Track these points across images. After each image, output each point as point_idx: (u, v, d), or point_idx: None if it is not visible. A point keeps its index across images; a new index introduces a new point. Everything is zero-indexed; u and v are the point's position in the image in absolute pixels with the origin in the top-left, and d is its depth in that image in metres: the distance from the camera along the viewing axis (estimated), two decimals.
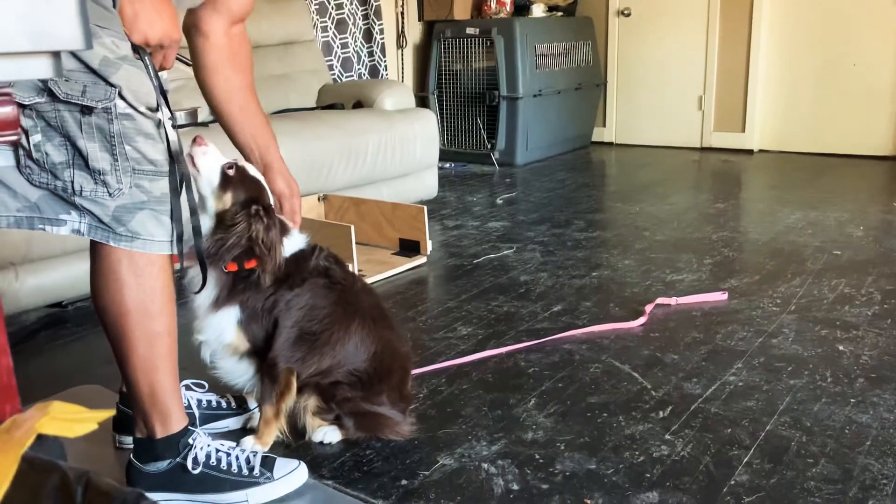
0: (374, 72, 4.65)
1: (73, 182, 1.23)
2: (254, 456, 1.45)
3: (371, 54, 4.63)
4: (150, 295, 1.31)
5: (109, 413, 0.71)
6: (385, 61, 4.67)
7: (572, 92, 5.13)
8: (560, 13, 5.23)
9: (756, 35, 4.89)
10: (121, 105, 1.23)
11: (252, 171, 1.54)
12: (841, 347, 2.03)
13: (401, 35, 4.93)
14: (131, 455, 1.42)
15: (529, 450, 1.58)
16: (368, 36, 4.60)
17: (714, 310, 2.32)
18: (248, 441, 1.57)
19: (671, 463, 1.52)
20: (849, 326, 2.17)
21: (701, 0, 5.04)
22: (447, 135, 5.03)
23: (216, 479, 1.41)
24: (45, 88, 1.18)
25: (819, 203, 3.64)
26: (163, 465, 1.39)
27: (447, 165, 4.85)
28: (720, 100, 5.13)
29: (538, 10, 5.10)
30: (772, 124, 5.05)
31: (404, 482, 1.48)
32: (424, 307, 2.46)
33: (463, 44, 4.86)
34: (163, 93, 1.29)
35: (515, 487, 1.45)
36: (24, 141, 1.20)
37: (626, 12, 5.33)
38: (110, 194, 1.24)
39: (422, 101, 4.96)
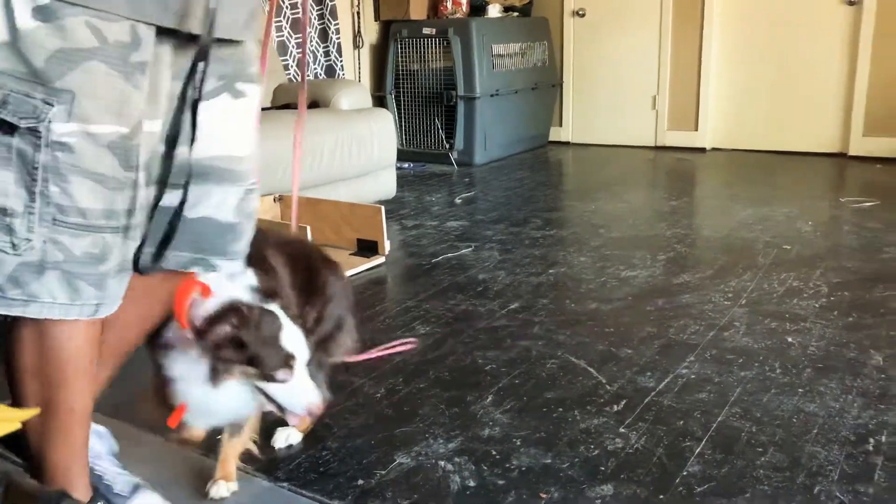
0: (330, 72, 4.62)
1: None
2: None
3: (327, 54, 4.60)
4: (51, 362, 1.07)
5: (34, 412, 0.68)
6: (341, 61, 4.64)
7: (529, 92, 5.17)
8: (516, 13, 5.27)
9: (707, 36, 4.98)
10: (58, 128, 0.91)
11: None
12: (790, 339, 2.08)
13: (357, 35, 4.91)
14: None
15: (486, 446, 1.59)
16: (324, 36, 4.57)
17: (667, 304, 2.36)
18: (222, 486, 1.41)
19: (625, 456, 1.54)
20: (797, 318, 2.22)
21: (654, 1, 5.12)
22: (405, 135, 5.02)
23: None
24: None
25: (769, 199, 3.72)
26: None
27: (406, 165, 4.84)
28: (673, 99, 5.21)
29: (494, 11, 5.13)
30: (724, 123, 5.15)
31: (360, 482, 1.48)
32: (383, 307, 2.45)
33: (420, 44, 4.85)
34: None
35: (472, 484, 1.46)
36: None
37: (580, 13, 5.39)
38: (14, 246, 0.95)
39: (379, 101, 4.95)
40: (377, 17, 5.07)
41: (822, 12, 4.67)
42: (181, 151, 1.11)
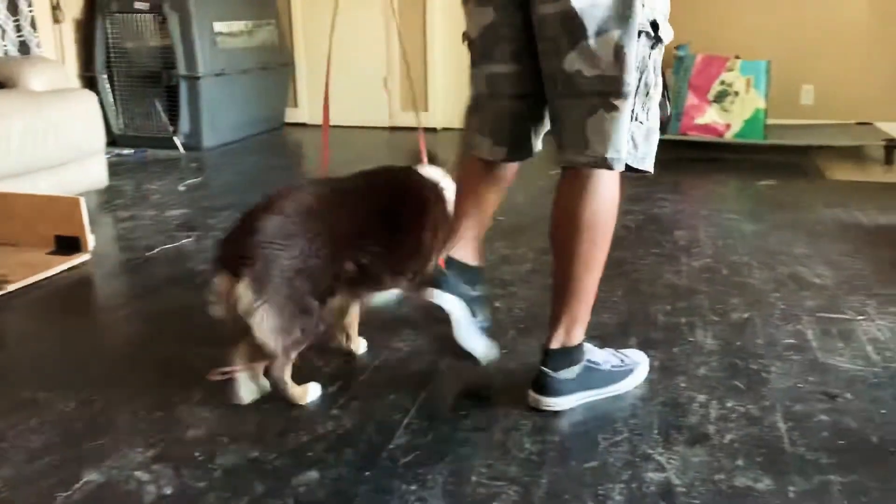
0: (25, 49, 4.09)
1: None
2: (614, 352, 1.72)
3: (19, 29, 4.06)
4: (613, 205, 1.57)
5: None
6: (37, 37, 4.13)
7: (259, 72, 4.99)
8: None
9: (431, 16, 5.15)
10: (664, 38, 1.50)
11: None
12: (497, 304, 2.22)
13: (56, 8, 4.39)
14: (543, 367, 1.61)
15: (189, 448, 1.50)
16: (14, 8, 4.03)
17: None
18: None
19: (335, 438, 1.53)
20: (505, 284, 2.37)
21: None
22: (123, 118, 4.62)
23: (612, 373, 1.67)
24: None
25: None
26: (577, 369, 1.61)
27: (125, 152, 4.46)
28: (404, 80, 5.34)
29: None
30: (453, 103, 5.37)
31: None
32: (87, 310, 2.22)
33: (133, 19, 4.47)
34: None
35: (168, 491, 1.36)
36: None
37: None
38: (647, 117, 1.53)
39: (90, 82, 4.50)
40: None
41: None
42: None
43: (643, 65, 1.46)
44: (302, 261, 1.54)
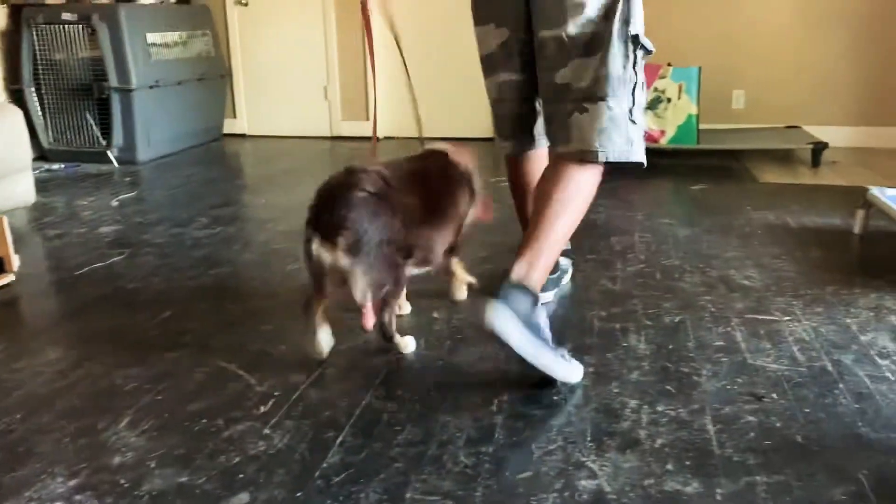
0: None
1: None
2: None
3: None
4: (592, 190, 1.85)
5: None
6: None
7: (195, 83, 4.91)
8: (173, 1, 4.96)
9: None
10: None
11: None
12: (435, 315, 2.21)
13: None
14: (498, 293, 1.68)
15: (115, 475, 1.45)
16: None
17: None
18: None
19: (267, 458, 1.51)
20: (444, 294, 2.36)
21: None
22: (53, 132, 4.49)
23: (545, 341, 1.71)
24: None
25: None
26: (524, 309, 1.68)
27: (55, 167, 4.33)
28: (344, 90, 5.31)
29: None
30: (393, 112, 5.37)
31: None
32: (10, 333, 2.14)
33: (61, 31, 4.35)
34: None
35: None
36: None
37: (243, 2, 5.24)
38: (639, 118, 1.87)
39: (16, 96, 4.36)
40: (4, 0, 4.43)
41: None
42: None
43: (630, 74, 1.78)
44: (385, 230, 1.81)
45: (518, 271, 1.73)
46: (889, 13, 4.55)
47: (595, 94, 1.77)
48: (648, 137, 4.21)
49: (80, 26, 4.30)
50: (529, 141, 2.16)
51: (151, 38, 4.51)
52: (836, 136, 4.65)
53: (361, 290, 1.80)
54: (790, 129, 4.63)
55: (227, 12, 5.27)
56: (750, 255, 2.69)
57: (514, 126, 2.15)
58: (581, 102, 1.79)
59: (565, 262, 2.42)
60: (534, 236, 1.77)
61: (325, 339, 1.90)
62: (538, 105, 2.06)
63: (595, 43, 1.77)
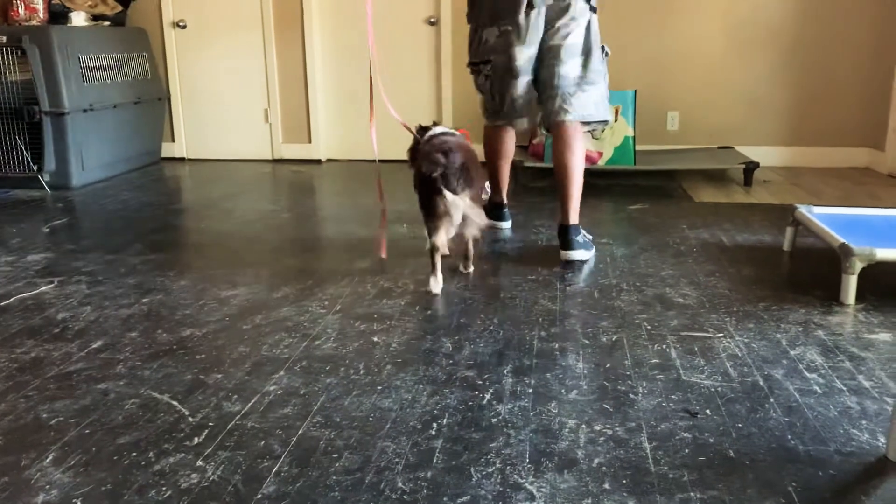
0: None
1: None
2: None
3: None
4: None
5: None
6: None
7: (131, 106, 4.82)
8: (107, 23, 4.86)
9: (310, 48, 5.13)
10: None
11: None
12: (375, 339, 2.19)
13: None
14: (566, 234, 2.92)
15: None
16: None
17: (264, 320, 2.34)
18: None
19: (199, 491, 1.46)
20: (384, 318, 2.36)
21: (254, 13, 5.12)
22: None
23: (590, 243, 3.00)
24: None
25: (375, 206, 3.95)
26: (581, 239, 2.94)
27: None
28: (286, 112, 5.28)
29: (79, 19, 4.67)
30: (335, 135, 5.36)
31: None
32: None
33: None
34: None
35: None
36: None
37: (181, 24, 5.17)
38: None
39: None
40: None
41: (411, 24, 5.12)
42: None
43: (603, 68, 2.95)
44: (470, 179, 2.49)
45: (572, 217, 2.92)
46: (816, 38, 4.75)
47: (586, 80, 2.88)
48: (587, 159, 4.29)
49: (10, 48, 4.18)
50: (535, 121, 3.02)
51: (85, 60, 4.41)
52: (767, 155, 4.82)
53: (479, 227, 2.50)
54: (723, 150, 4.78)
55: (165, 34, 5.20)
56: (685, 273, 2.75)
57: (530, 109, 2.99)
58: (577, 86, 2.87)
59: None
60: (567, 191, 2.91)
61: (440, 279, 2.57)
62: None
63: (581, 49, 2.87)
